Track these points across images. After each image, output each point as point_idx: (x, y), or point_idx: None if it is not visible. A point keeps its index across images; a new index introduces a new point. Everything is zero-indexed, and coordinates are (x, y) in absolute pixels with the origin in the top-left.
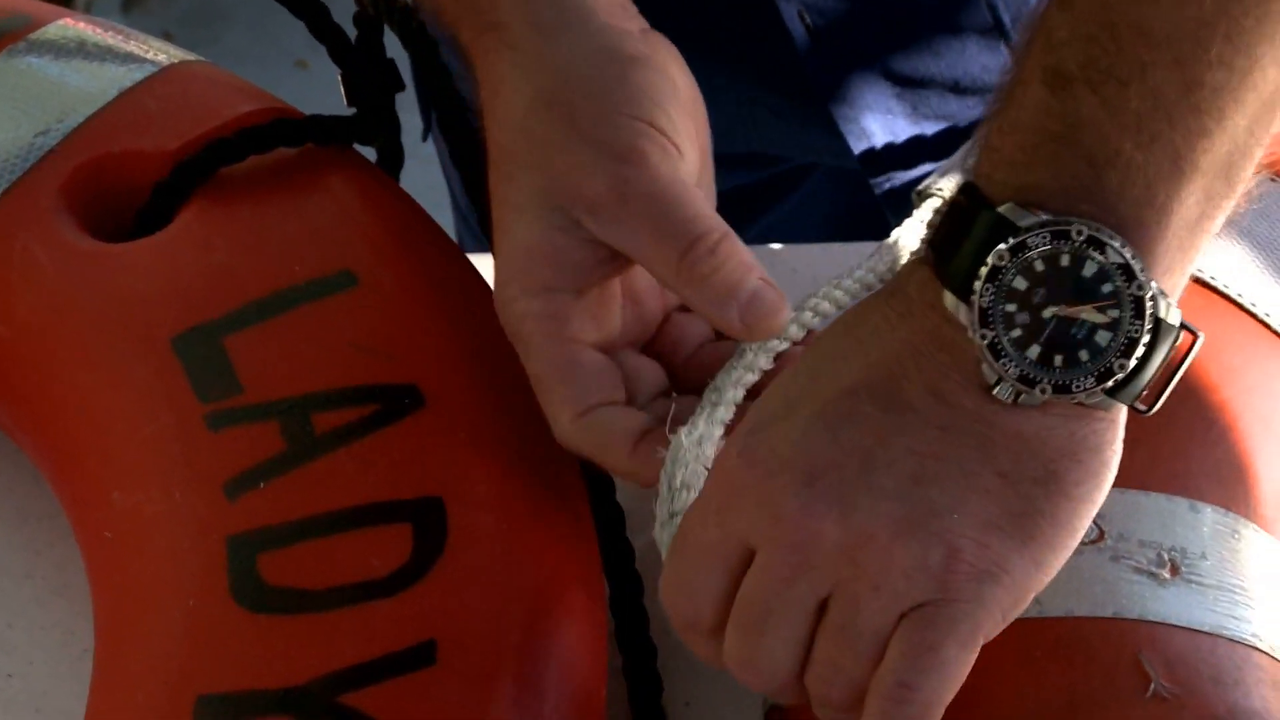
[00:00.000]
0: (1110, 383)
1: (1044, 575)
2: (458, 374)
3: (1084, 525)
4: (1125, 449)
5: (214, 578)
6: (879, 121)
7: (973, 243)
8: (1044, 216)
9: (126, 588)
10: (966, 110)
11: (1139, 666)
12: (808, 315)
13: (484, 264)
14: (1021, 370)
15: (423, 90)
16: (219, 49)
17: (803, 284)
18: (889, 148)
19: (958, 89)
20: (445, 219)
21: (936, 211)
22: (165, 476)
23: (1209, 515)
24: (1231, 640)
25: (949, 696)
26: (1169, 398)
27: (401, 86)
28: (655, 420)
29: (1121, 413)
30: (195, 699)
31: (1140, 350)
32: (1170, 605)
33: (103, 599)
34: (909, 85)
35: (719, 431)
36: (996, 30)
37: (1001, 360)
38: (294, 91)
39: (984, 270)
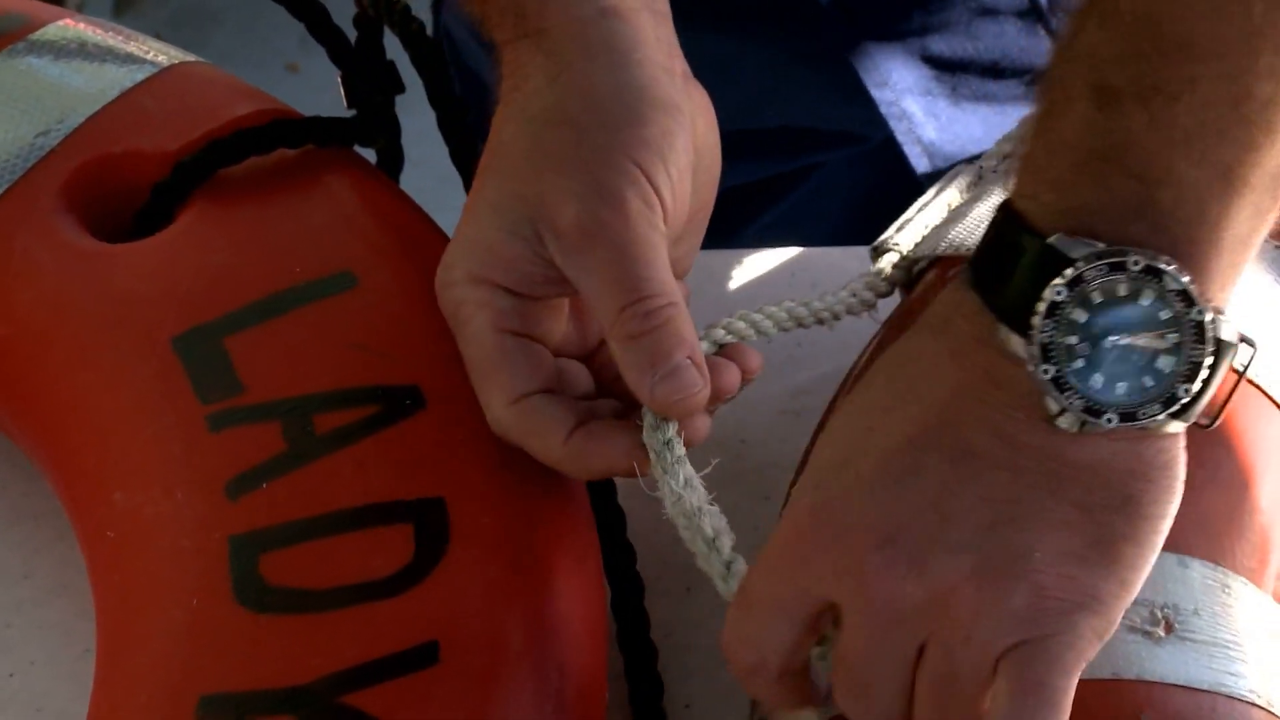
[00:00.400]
0: (1176, 406)
1: (1131, 593)
2: (458, 374)
3: (1162, 539)
4: None
5: (216, 578)
6: (919, 103)
7: (1025, 275)
8: (1098, 246)
9: (128, 588)
10: (1006, 91)
11: None
12: (719, 332)
13: None
14: (1087, 401)
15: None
16: (209, 51)
17: (800, 288)
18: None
19: (996, 70)
20: (446, 220)
21: (984, 239)
22: (167, 477)
23: (1198, 569)
24: (1230, 697)
25: None
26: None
27: (402, 88)
28: (586, 414)
29: (1183, 428)
30: (198, 699)
31: (1204, 373)
32: (1167, 664)
33: (104, 599)
34: (947, 68)
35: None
36: (1033, 13)
37: (1066, 394)
38: (285, 94)
39: (1041, 306)
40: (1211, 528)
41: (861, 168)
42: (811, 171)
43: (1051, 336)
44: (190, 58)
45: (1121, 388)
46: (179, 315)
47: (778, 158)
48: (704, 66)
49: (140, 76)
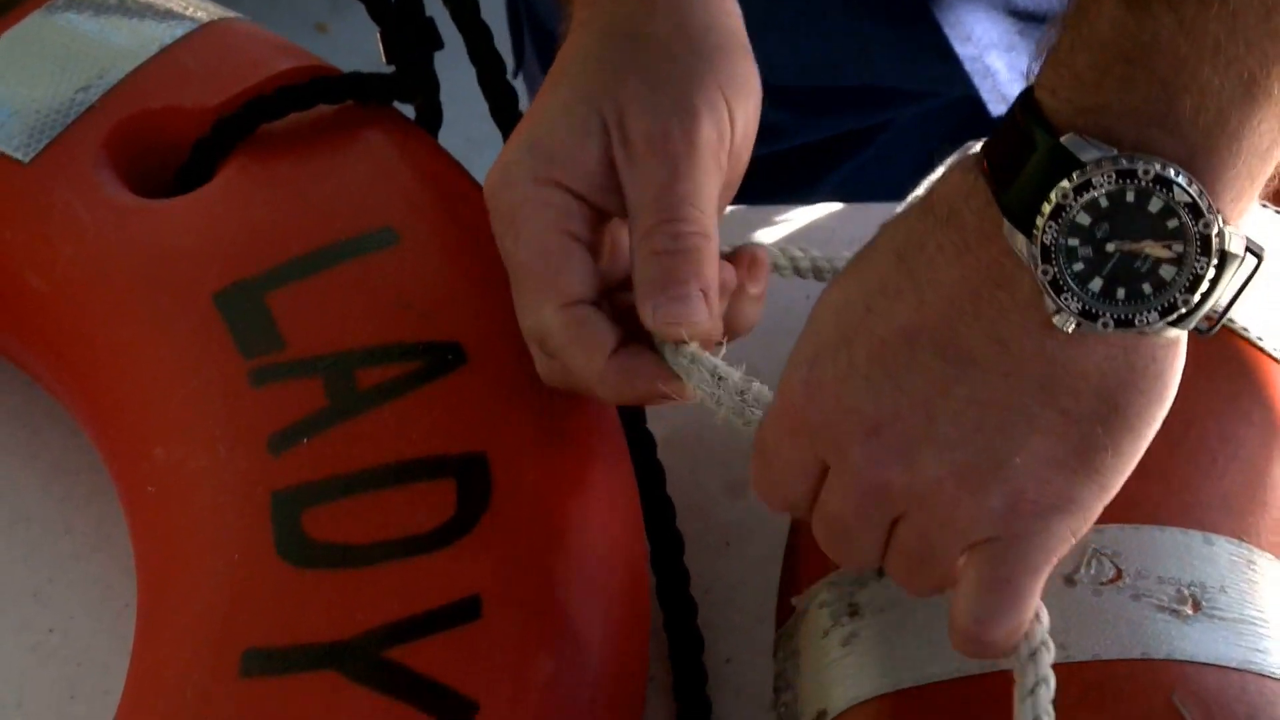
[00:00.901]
0: (1174, 316)
1: (1109, 495)
2: (500, 331)
3: (1144, 447)
4: (1135, 481)
5: (259, 533)
6: (1003, 59)
7: (1033, 174)
8: (1110, 151)
9: (170, 543)
10: None
11: (1172, 708)
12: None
13: None
14: (1084, 305)
15: (515, 25)
16: (240, 9)
17: (837, 245)
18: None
19: None
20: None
21: (995, 130)
22: (209, 432)
23: (1224, 547)
24: (1260, 675)
25: (1029, 616)
26: (1173, 430)
27: (440, 44)
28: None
29: (1184, 336)
30: (242, 653)
31: (1204, 286)
32: (1196, 643)
33: (146, 554)
34: (1031, 20)
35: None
36: None
37: (1063, 295)
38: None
39: (1047, 207)
40: (1235, 505)
41: (935, 124)
42: (879, 132)
43: (1054, 238)
44: (229, 14)
45: (1120, 293)
46: (220, 271)
47: (855, 114)
48: (783, 23)
49: (180, 33)
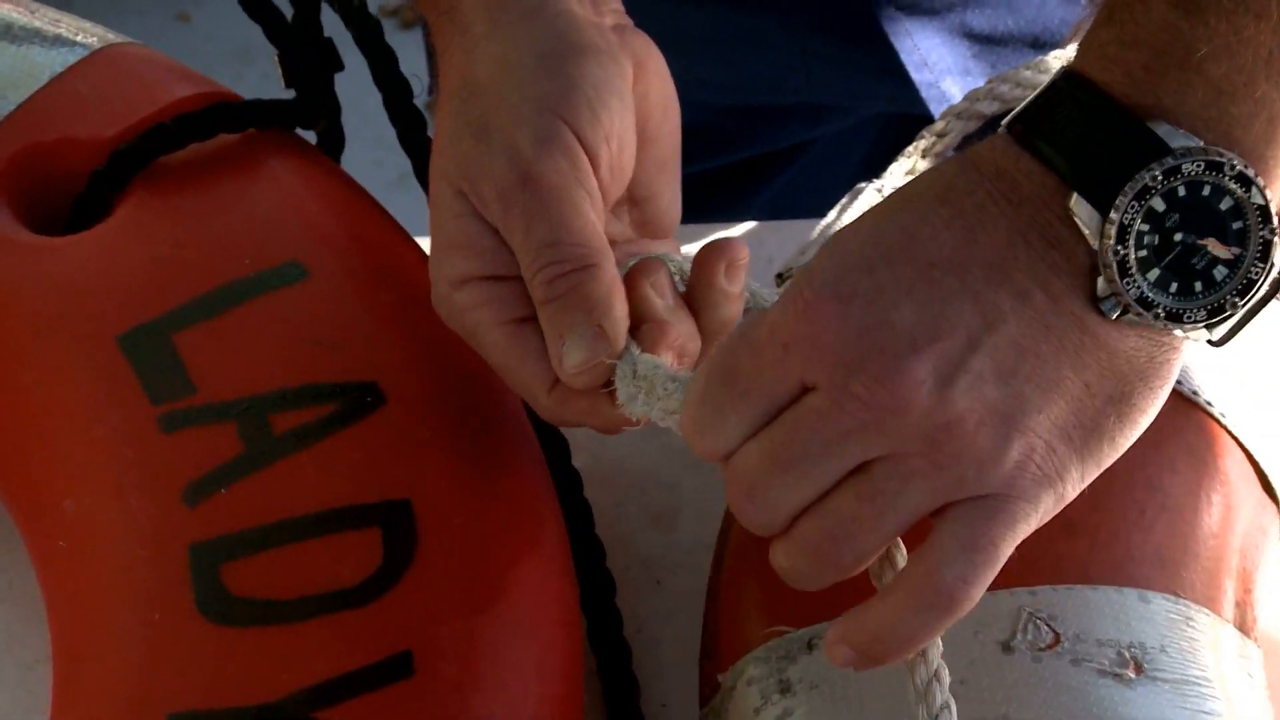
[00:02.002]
0: (1220, 317)
1: (1077, 489)
2: (417, 369)
3: (1126, 448)
4: (1062, 536)
5: (177, 589)
6: (959, 83)
7: (1116, 152)
8: (1197, 141)
9: (84, 600)
10: None
11: None
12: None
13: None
14: (1142, 291)
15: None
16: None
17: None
18: None
19: (1037, 44)
20: (392, 200)
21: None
22: (120, 482)
23: (1160, 604)
24: None
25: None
26: (1097, 481)
27: (340, 66)
28: None
29: (1187, 342)
30: (165, 717)
31: (1263, 289)
32: (1141, 708)
33: (59, 612)
34: (988, 43)
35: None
36: None
37: (1125, 279)
38: (174, 45)
39: (1130, 187)
40: (1167, 558)
41: (858, 137)
42: (806, 148)
43: (1131, 219)
44: (120, 38)
45: (1174, 286)
46: (124, 311)
47: (791, 130)
48: (722, 40)
49: (72, 59)
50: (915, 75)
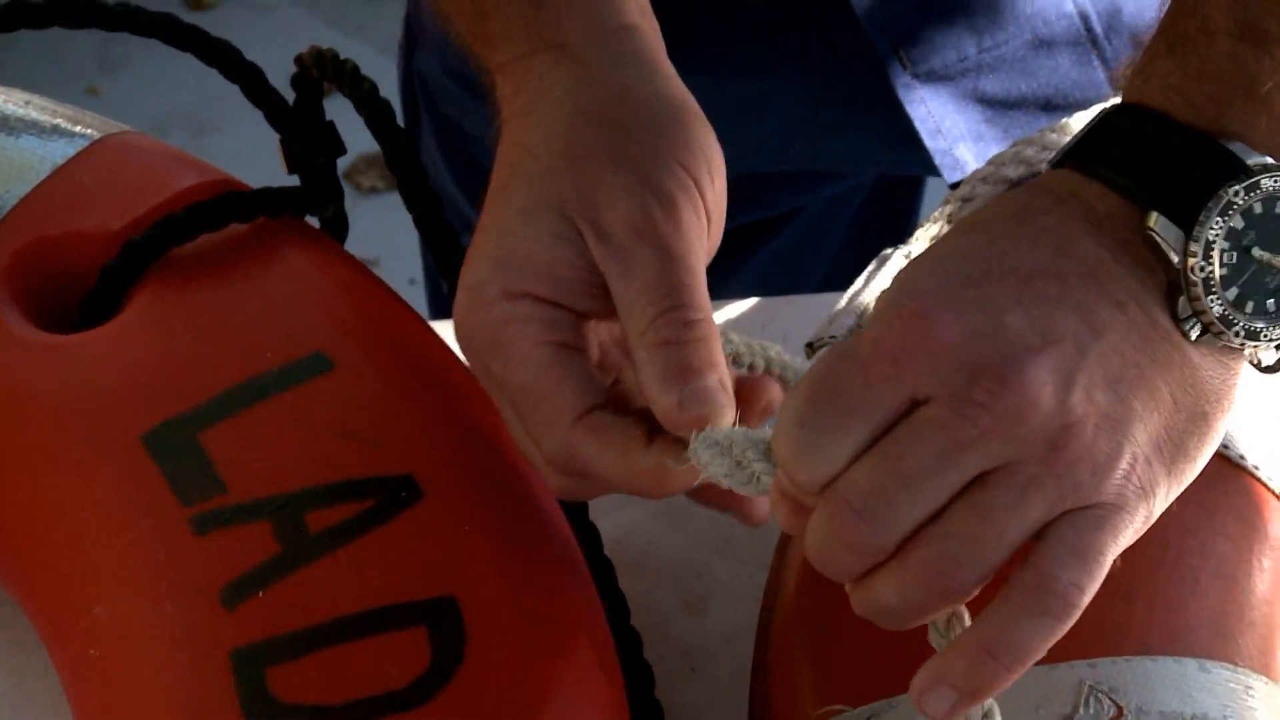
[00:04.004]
0: None
1: (1162, 506)
2: (452, 460)
3: (1200, 468)
4: (1121, 605)
5: (222, 696)
6: (972, 149)
7: (1197, 171)
8: (1267, 159)
9: (121, 711)
10: None
11: None
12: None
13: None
14: (1223, 311)
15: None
16: (4, 73)
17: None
18: None
19: (1049, 107)
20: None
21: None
22: (154, 586)
23: (1219, 674)
24: None
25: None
26: (1150, 548)
27: (343, 150)
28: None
29: (1244, 368)
30: None
31: None
32: None
33: None
34: (1001, 107)
35: None
36: (1089, 41)
37: (1209, 296)
38: None
39: (1214, 204)
40: (1223, 626)
41: (845, 205)
42: (795, 215)
43: (1215, 235)
44: (121, 127)
45: (1250, 305)
46: (146, 409)
47: (786, 196)
48: (731, 110)
49: (72, 151)
50: (930, 142)
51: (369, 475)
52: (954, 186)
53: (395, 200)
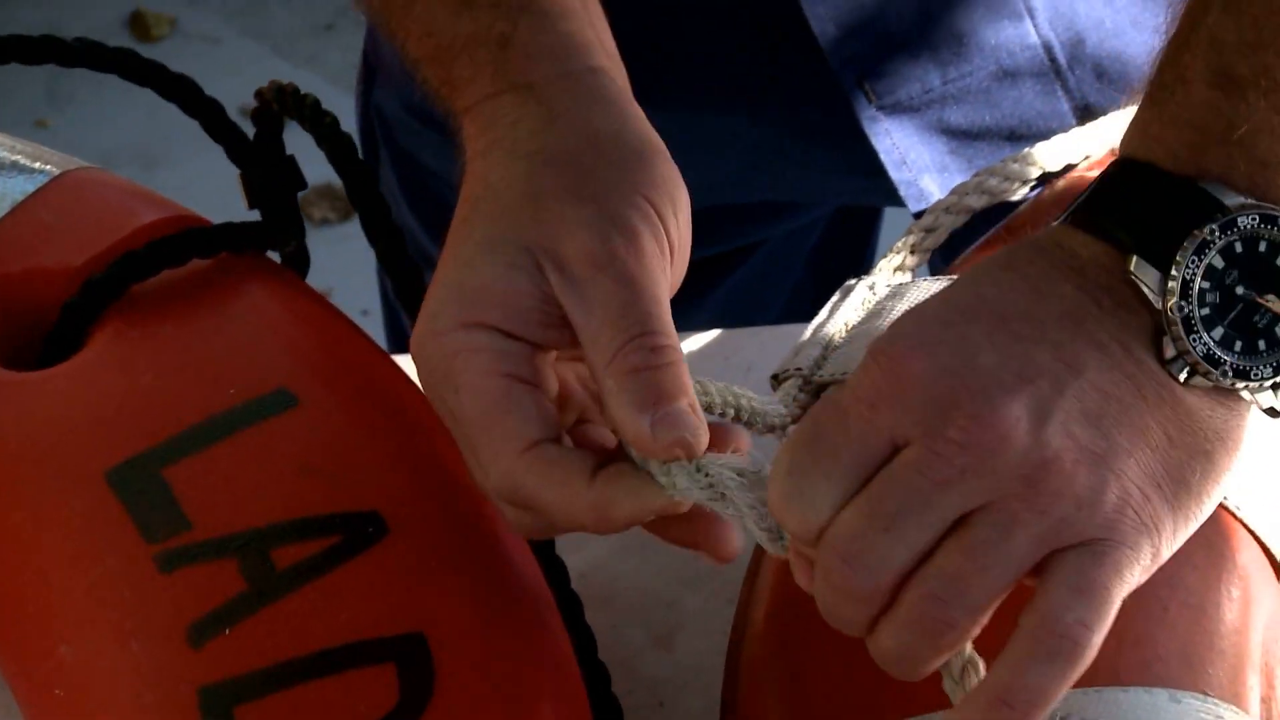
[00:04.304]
0: None
1: (1175, 546)
2: (418, 495)
3: (1211, 509)
4: None
5: None
6: (937, 180)
7: (1170, 212)
8: (1245, 198)
9: None
10: None
11: None
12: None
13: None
14: (1207, 350)
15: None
16: None
17: (735, 372)
18: None
19: (1013, 137)
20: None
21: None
22: (119, 625)
23: (1190, 704)
24: None
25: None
26: None
27: (304, 184)
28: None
29: (1252, 409)
30: None
31: None
32: None
33: None
34: (965, 138)
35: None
36: (1052, 71)
37: (1191, 336)
38: None
39: (1189, 243)
40: (1193, 656)
41: (806, 236)
42: (757, 247)
43: (1191, 275)
44: (81, 163)
45: (1237, 345)
46: (110, 446)
47: (751, 228)
48: (693, 144)
49: (31, 187)
50: (895, 174)
51: (335, 511)
52: (917, 216)
53: (348, 231)
